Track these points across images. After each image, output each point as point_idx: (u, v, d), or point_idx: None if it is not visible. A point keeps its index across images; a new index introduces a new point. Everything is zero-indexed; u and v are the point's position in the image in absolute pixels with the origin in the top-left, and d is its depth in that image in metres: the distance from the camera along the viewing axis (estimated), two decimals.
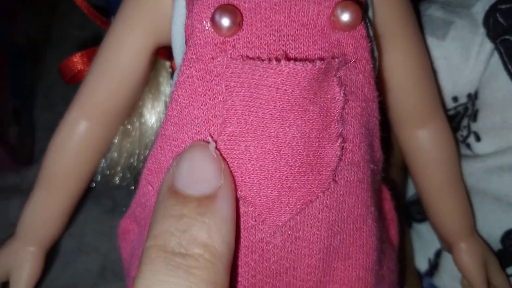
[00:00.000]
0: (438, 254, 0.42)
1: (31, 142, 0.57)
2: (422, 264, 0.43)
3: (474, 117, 0.38)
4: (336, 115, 0.25)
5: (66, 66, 0.34)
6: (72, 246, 0.49)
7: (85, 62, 0.34)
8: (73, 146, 0.31)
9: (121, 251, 0.33)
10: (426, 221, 0.42)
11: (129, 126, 0.35)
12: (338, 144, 0.25)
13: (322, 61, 0.23)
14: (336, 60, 0.24)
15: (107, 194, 0.52)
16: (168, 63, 0.35)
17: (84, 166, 0.32)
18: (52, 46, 0.67)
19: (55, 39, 0.68)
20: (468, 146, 0.39)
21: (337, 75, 0.25)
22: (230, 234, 0.21)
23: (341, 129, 0.25)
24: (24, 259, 0.32)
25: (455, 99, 0.38)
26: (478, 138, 0.38)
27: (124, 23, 0.30)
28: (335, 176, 0.26)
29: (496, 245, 0.38)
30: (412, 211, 0.44)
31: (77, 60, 0.33)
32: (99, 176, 0.36)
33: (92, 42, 0.35)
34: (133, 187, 0.37)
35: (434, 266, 0.42)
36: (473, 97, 0.38)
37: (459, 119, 0.40)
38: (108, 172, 0.36)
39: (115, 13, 0.31)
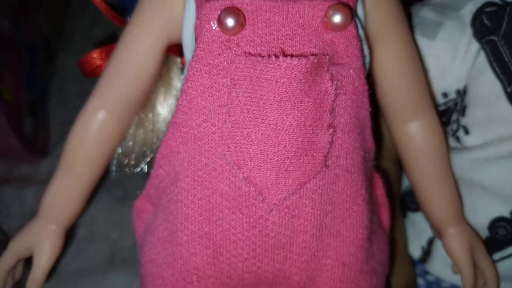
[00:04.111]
0: (430, 242, 0.46)
1: (45, 135, 0.61)
2: (415, 251, 0.47)
3: (462, 112, 0.42)
4: (328, 106, 0.29)
5: (86, 61, 0.38)
6: (84, 234, 0.53)
7: (103, 58, 0.38)
8: (92, 133, 0.35)
9: (135, 229, 0.37)
10: (420, 211, 0.46)
11: (143, 117, 0.39)
12: (329, 132, 0.30)
13: (314, 56, 0.27)
14: (327, 56, 0.28)
15: (118, 184, 0.56)
16: (179, 60, 0.40)
17: (101, 152, 0.36)
18: (65, 43, 0.72)
19: (68, 36, 0.73)
20: (458, 139, 0.43)
21: (329, 71, 0.29)
22: None
23: (332, 119, 0.30)
24: (46, 235, 0.37)
25: (444, 95, 0.42)
26: (466, 132, 0.42)
27: (140, 24, 0.34)
28: (327, 160, 0.30)
29: (484, 232, 0.42)
30: (407, 201, 0.48)
31: (96, 56, 0.38)
32: (115, 163, 0.41)
33: (109, 40, 0.39)
34: (146, 171, 0.42)
35: (427, 253, 0.46)
36: (462, 93, 0.42)
37: (449, 113, 0.44)
38: (123, 159, 0.41)
39: (130, 11, 0.35)
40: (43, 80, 0.66)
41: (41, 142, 0.60)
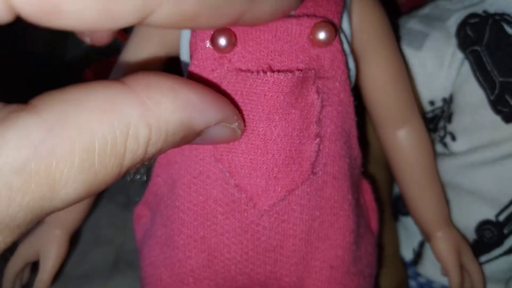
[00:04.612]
0: (421, 245, 0.48)
1: None
2: (407, 253, 0.49)
3: (449, 119, 0.44)
4: (314, 117, 0.31)
5: (90, 73, 0.41)
6: (89, 238, 0.55)
7: (107, 70, 0.40)
8: None
9: (136, 233, 0.40)
10: None
11: None
12: (316, 142, 0.32)
13: (300, 71, 0.30)
14: (313, 71, 0.31)
15: (122, 191, 0.59)
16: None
17: None
18: (69, 54, 0.74)
19: (72, 48, 0.75)
20: (445, 145, 0.45)
21: (315, 84, 0.31)
22: None
23: (318, 129, 0.32)
24: (52, 240, 0.39)
25: (431, 103, 0.44)
26: (453, 138, 0.44)
27: (142, 38, 0.36)
28: (314, 168, 0.32)
29: (471, 235, 0.44)
30: (399, 205, 0.50)
31: (99, 68, 0.40)
32: None
33: (113, 53, 0.42)
34: (145, 180, 0.44)
35: (418, 255, 0.48)
36: (448, 101, 0.44)
37: (437, 121, 0.46)
38: None
39: (132, 28, 0.38)
40: (48, 88, 0.68)
41: None
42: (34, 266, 0.43)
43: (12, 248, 0.41)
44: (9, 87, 0.54)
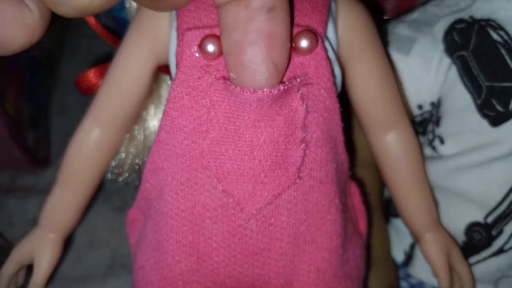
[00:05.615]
0: (412, 246, 0.49)
1: (47, 145, 0.64)
2: (398, 255, 0.50)
3: (437, 122, 0.45)
4: (299, 123, 0.32)
5: (82, 80, 0.41)
6: (84, 241, 0.56)
7: (98, 76, 0.41)
8: (88, 149, 0.38)
9: (129, 237, 0.41)
10: None
11: (135, 132, 0.43)
12: (301, 147, 0.33)
13: (284, 84, 0.30)
14: (298, 79, 0.32)
15: (117, 193, 0.59)
16: (168, 78, 0.43)
17: (96, 166, 0.39)
18: (65, 56, 0.76)
19: (68, 50, 0.76)
20: (434, 148, 0.46)
21: (299, 91, 0.32)
22: None
23: (304, 135, 0.33)
24: (46, 244, 0.40)
25: (420, 107, 0.46)
26: (442, 141, 0.45)
27: (130, 47, 0.37)
28: (300, 173, 0.33)
29: (461, 237, 0.45)
30: (390, 207, 0.51)
31: (91, 75, 0.41)
32: (109, 174, 0.44)
33: (104, 59, 0.43)
34: (138, 184, 0.45)
35: (409, 257, 0.49)
36: (436, 105, 0.45)
37: (426, 124, 0.47)
38: (117, 171, 0.44)
39: (123, 32, 0.38)
40: (44, 93, 0.69)
41: (43, 153, 0.63)
42: (29, 269, 0.44)
43: (6, 251, 0.42)
44: None
